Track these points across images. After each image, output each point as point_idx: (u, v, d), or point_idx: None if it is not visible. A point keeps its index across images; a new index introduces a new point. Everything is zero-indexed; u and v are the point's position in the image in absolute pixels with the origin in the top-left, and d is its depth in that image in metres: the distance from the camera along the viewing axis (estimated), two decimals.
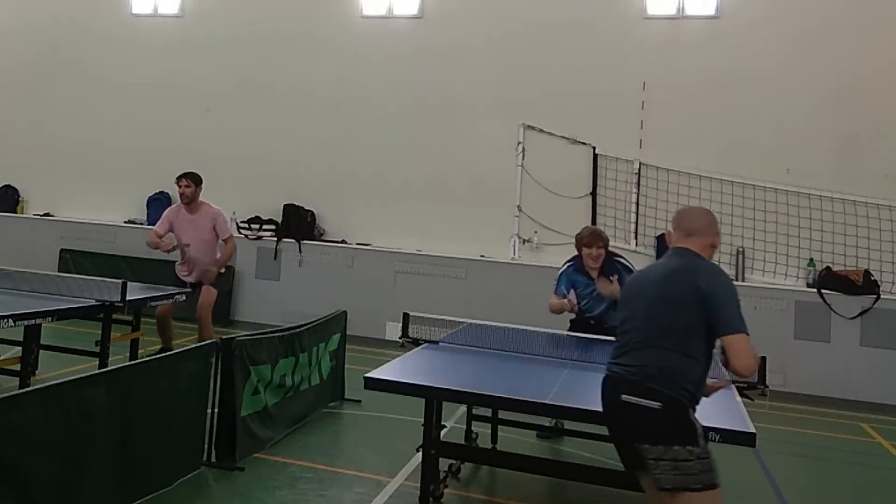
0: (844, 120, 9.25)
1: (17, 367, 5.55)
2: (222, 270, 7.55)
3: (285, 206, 10.85)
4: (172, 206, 7.58)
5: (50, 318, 5.34)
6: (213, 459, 4.88)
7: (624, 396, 3.10)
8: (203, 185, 7.40)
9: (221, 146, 11.15)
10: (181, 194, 7.26)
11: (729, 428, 3.41)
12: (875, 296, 8.81)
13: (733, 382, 4.40)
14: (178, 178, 7.31)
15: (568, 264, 6.05)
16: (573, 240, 6.07)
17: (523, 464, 4.70)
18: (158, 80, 11.55)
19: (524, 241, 10.07)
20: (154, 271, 9.24)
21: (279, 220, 10.85)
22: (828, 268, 9.08)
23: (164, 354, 4.77)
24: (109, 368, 4.33)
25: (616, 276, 5.84)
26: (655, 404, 3.04)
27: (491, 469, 5.27)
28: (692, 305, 3.09)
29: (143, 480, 4.19)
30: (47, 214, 11.82)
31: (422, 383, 4.13)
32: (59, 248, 11.33)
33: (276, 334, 5.64)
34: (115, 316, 6.10)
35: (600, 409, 3.61)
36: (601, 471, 4.64)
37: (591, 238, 5.85)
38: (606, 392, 3.27)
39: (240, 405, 5.04)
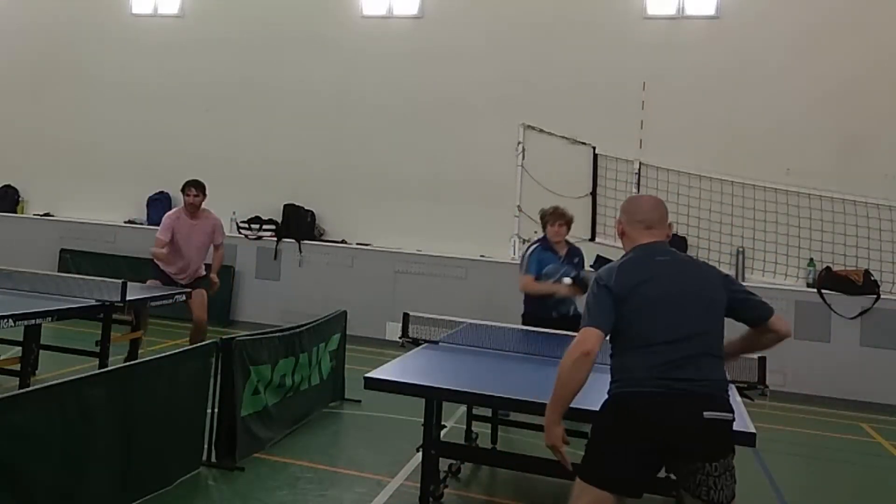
0: (844, 120, 9.25)
1: (17, 367, 5.55)
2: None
3: (285, 206, 10.85)
4: (172, 211, 7.55)
5: (50, 318, 5.33)
6: (213, 459, 4.87)
7: (707, 414, 2.85)
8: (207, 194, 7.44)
9: (221, 146, 11.15)
10: (190, 203, 7.26)
11: None
12: (875, 296, 8.80)
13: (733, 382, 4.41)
14: (187, 188, 7.30)
15: (534, 245, 6.35)
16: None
17: (523, 464, 4.69)
18: (158, 80, 11.55)
19: (524, 241, 10.03)
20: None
21: (279, 220, 10.85)
22: (828, 268, 9.08)
23: (163, 354, 4.77)
24: (109, 368, 4.33)
25: (577, 259, 6.31)
26: (731, 416, 2.95)
27: (491, 469, 5.27)
28: (724, 307, 3.05)
29: (142, 480, 4.18)
30: (47, 214, 11.83)
31: (422, 383, 4.12)
32: (59, 248, 11.33)
33: (276, 334, 5.64)
34: (114, 316, 6.09)
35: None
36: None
37: (553, 216, 6.23)
38: (676, 412, 2.86)
39: (240, 405, 5.04)
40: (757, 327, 3.12)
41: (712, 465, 2.87)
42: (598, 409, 3.09)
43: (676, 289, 3.00)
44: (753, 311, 3.12)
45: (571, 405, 3.02)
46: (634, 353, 2.97)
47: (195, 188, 7.29)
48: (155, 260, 7.25)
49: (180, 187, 7.35)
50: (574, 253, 6.35)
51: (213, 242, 7.43)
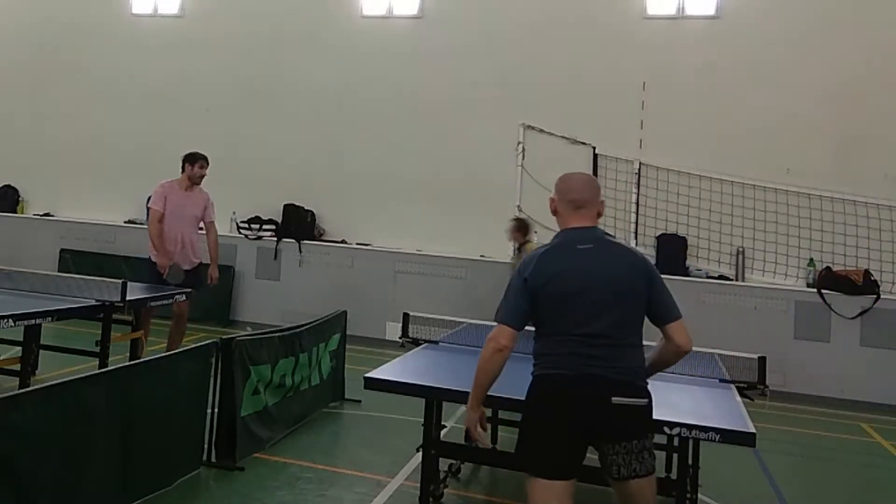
0: (844, 120, 9.26)
1: (17, 367, 5.55)
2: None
3: (285, 206, 10.85)
4: (164, 182, 7.31)
5: (50, 318, 5.33)
6: (213, 459, 4.88)
7: (615, 399, 2.96)
8: None
9: (221, 146, 11.06)
10: (199, 176, 7.22)
11: (729, 428, 3.41)
12: (875, 296, 8.80)
13: (732, 382, 4.41)
14: (198, 160, 7.20)
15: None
16: None
17: None
18: (158, 80, 11.56)
19: None
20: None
21: (279, 220, 10.85)
22: (828, 268, 9.08)
23: (163, 354, 4.77)
24: (109, 368, 4.32)
25: None
26: (643, 401, 3.03)
27: (491, 469, 5.27)
28: (645, 297, 3.08)
29: (142, 480, 4.19)
30: (47, 214, 11.83)
31: (422, 383, 4.12)
32: (59, 248, 11.33)
33: (276, 334, 5.64)
34: (115, 316, 6.08)
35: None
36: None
37: None
38: (587, 395, 2.98)
39: (240, 405, 5.04)
40: (660, 328, 3.13)
41: (622, 445, 2.97)
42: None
43: (593, 280, 3.05)
44: (660, 307, 3.10)
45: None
46: (552, 340, 3.10)
47: (206, 161, 7.26)
48: (152, 240, 7.04)
49: (184, 159, 7.24)
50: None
51: (205, 218, 7.32)
